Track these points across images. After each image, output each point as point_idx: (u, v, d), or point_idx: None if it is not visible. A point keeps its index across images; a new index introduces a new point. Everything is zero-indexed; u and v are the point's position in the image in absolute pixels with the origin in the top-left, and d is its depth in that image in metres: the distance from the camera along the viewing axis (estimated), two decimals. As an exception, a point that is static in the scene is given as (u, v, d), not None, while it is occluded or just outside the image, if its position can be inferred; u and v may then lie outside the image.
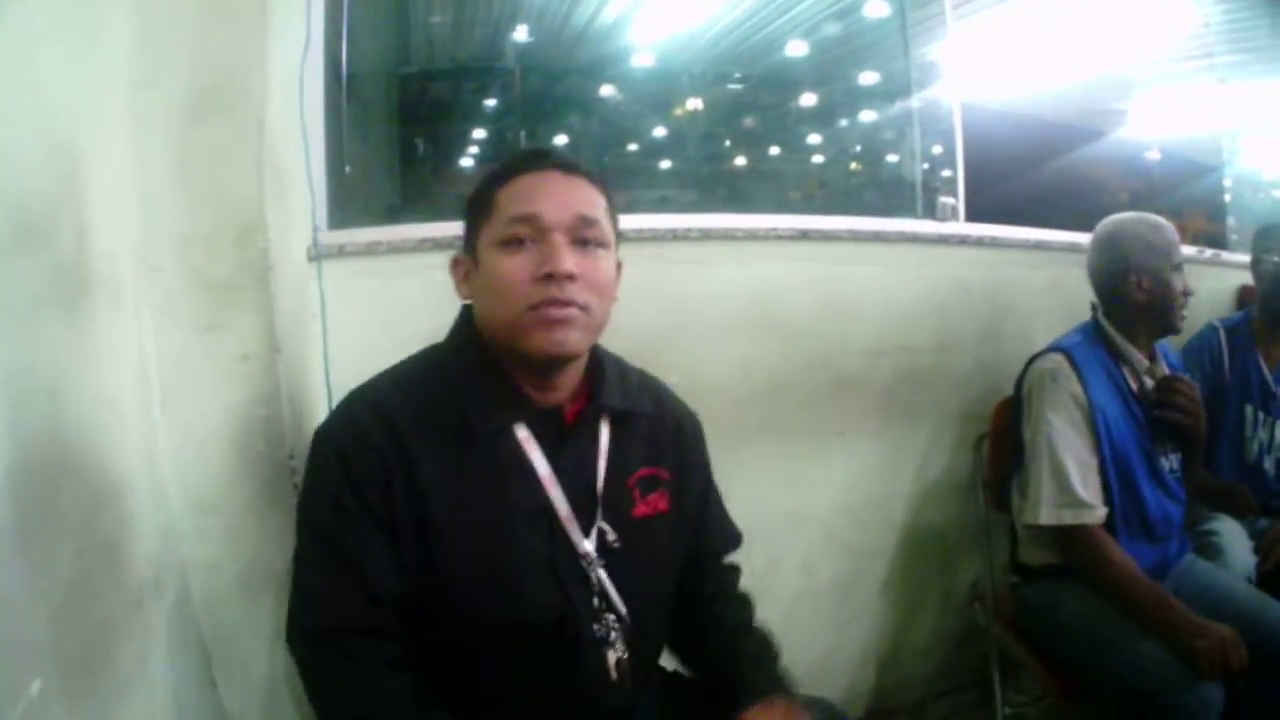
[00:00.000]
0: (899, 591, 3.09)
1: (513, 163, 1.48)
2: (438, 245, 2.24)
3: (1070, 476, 2.30)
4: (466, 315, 1.52)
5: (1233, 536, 2.68)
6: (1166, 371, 2.53)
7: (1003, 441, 2.71)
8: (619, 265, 1.53)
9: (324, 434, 1.42)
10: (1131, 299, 2.49)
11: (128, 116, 1.64)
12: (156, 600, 1.54)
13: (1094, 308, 2.59)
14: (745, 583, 1.77)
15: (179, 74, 1.69)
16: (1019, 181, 3.72)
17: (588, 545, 1.47)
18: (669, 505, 1.60)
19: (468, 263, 1.49)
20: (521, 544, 1.42)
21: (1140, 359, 2.49)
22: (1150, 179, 5.30)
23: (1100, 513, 2.30)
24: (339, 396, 2.01)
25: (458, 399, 1.42)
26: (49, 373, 1.26)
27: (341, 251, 2.18)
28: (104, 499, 1.40)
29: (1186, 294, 2.48)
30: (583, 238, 1.41)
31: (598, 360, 1.55)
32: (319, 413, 1.97)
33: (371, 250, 2.23)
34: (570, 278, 1.36)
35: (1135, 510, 2.37)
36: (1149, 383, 2.48)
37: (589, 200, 1.45)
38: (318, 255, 2.12)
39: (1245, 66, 4.71)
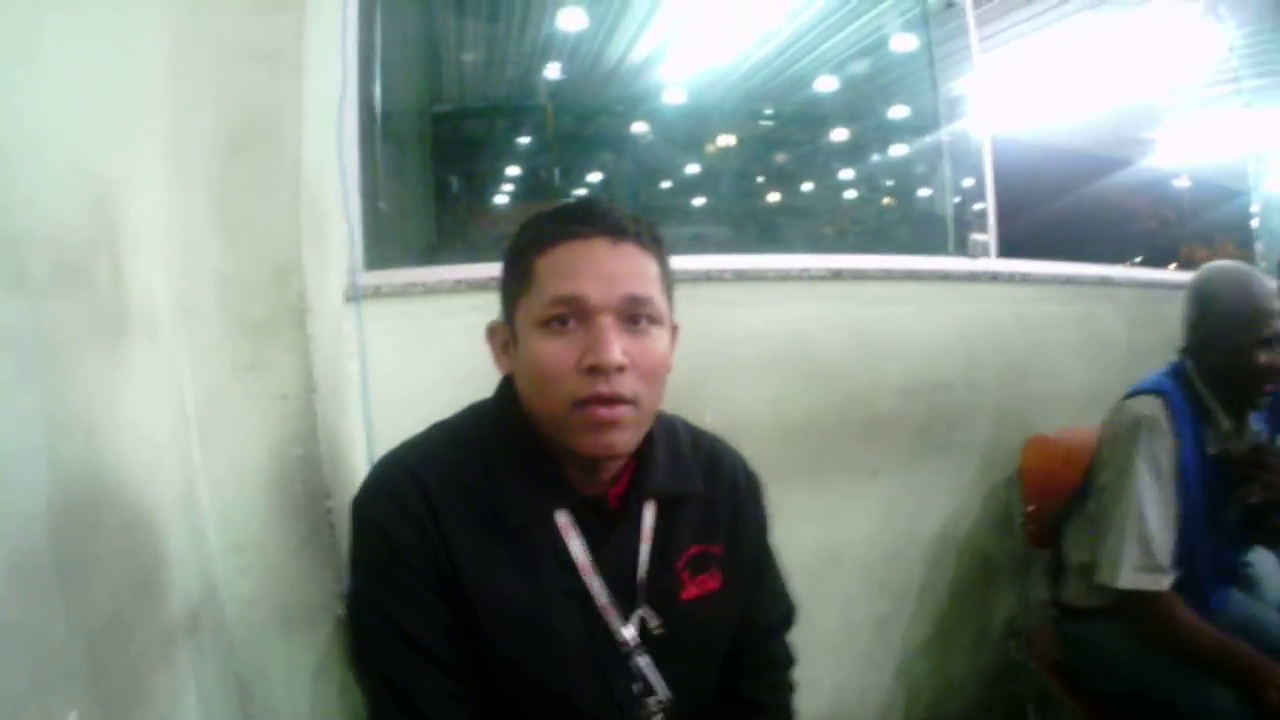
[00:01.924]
0: (934, 629, 3.06)
1: (553, 227, 1.34)
2: (473, 286, 2.28)
3: (1154, 540, 2.21)
4: (509, 388, 1.43)
5: (1268, 568, 2.63)
6: (1252, 437, 2.42)
7: (1042, 476, 2.68)
8: (675, 330, 1.43)
9: (362, 504, 1.37)
10: (1209, 362, 2.38)
11: (165, 156, 1.64)
12: (192, 637, 1.54)
13: (1181, 353, 2.48)
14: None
15: (216, 113, 1.71)
16: (1046, 212, 3.71)
17: (628, 633, 1.42)
18: (721, 583, 1.52)
19: (505, 332, 1.40)
20: (558, 631, 1.37)
21: (1223, 420, 2.38)
22: (1180, 206, 5.28)
23: (1173, 577, 2.22)
24: (377, 437, 2.05)
25: (493, 482, 1.36)
26: (88, 411, 1.27)
27: (378, 292, 2.20)
28: (141, 536, 1.40)
29: (1275, 370, 2.29)
30: (633, 315, 1.30)
31: (648, 438, 1.43)
32: (356, 453, 1.99)
33: (407, 291, 2.26)
34: (620, 369, 1.26)
35: (1188, 570, 2.27)
36: (1227, 448, 2.36)
37: (640, 274, 1.32)
38: (355, 296, 2.14)
39: (1270, 90, 4.68)
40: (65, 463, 1.18)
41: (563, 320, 1.28)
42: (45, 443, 1.13)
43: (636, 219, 1.36)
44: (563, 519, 1.38)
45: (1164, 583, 2.20)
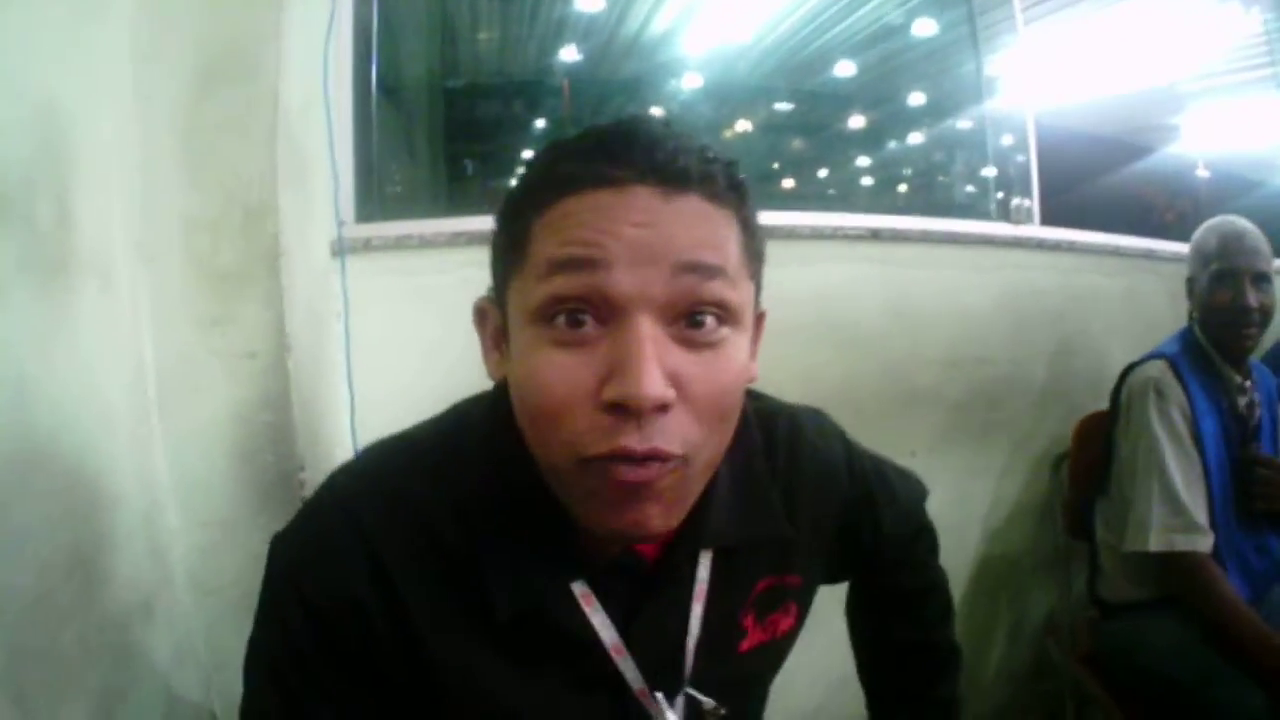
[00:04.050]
0: (968, 622, 2.86)
1: (568, 166, 0.81)
2: (473, 240, 2.06)
3: (1182, 498, 2.10)
4: (504, 401, 0.89)
5: None
6: (1257, 395, 2.34)
7: (1086, 463, 2.53)
8: (760, 319, 0.95)
9: (284, 559, 0.89)
10: (1198, 313, 2.35)
11: (130, 91, 1.51)
12: (146, 623, 1.40)
13: (1189, 314, 2.41)
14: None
15: (186, 45, 1.56)
16: (1059, 202, 3.57)
17: (671, 717, 0.97)
18: (795, 618, 1.11)
19: (497, 317, 0.90)
20: None
21: (1231, 375, 2.30)
22: (1198, 198, 5.13)
23: (1211, 539, 2.10)
24: (361, 405, 1.88)
25: (476, 549, 0.88)
26: (19, 357, 1.13)
27: (368, 246, 2.03)
28: (80, 509, 1.26)
29: (1243, 308, 2.23)
30: (691, 313, 0.78)
31: None
32: (337, 422, 1.83)
33: (402, 245, 2.08)
34: (662, 409, 0.76)
35: (1229, 539, 2.18)
36: (1243, 403, 2.29)
37: (705, 244, 0.79)
38: (341, 249, 1.97)
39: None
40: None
41: (573, 318, 0.77)
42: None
43: (705, 154, 0.83)
44: (580, 589, 0.92)
45: (1200, 543, 2.10)
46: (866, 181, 4.40)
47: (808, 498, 1.08)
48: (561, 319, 0.76)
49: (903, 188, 4.48)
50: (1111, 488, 2.34)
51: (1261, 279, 2.23)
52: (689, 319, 0.78)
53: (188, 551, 1.55)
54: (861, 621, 1.35)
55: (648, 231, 0.76)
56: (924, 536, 1.32)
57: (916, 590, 1.32)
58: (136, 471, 1.44)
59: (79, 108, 1.35)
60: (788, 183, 4.37)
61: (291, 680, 0.86)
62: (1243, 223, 2.31)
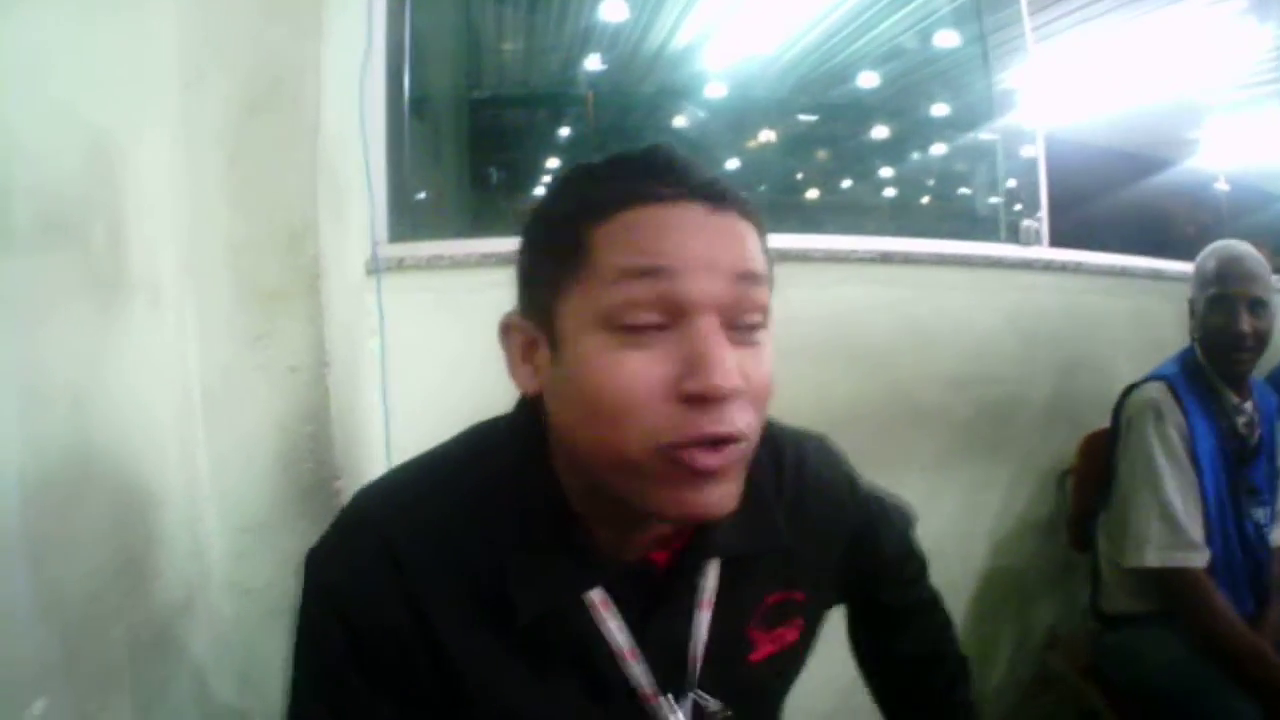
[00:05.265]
0: (972, 635, 2.94)
1: (622, 184, 0.88)
2: (502, 261, 2.09)
3: (1179, 516, 2.16)
4: (527, 415, 0.99)
5: None
6: (1257, 415, 2.38)
7: (1091, 478, 2.58)
8: None
9: (322, 579, 0.96)
10: (1198, 336, 2.39)
11: (177, 117, 1.57)
12: (186, 621, 1.47)
13: (1190, 334, 2.45)
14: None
15: (231, 73, 1.62)
16: (1080, 214, 3.60)
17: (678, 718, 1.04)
18: (800, 631, 1.16)
19: (529, 332, 0.94)
20: None
21: (1230, 396, 2.33)
22: (1218, 210, 5.14)
23: (1207, 555, 2.17)
24: (395, 418, 1.96)
25: (500, 558, 0.94)
26: (74, 372, 1.20)
27: (401, 265, 2.11)
28: (131, 513, 1.33)
29: (1237, 334, 2.25)
30: (744, 316, 0.87)
31: None
32: (373, 434, 1.91)
33: (433, 265, 2.16)
34: (735, 394, 0.84)
35: (1225, 557, 2.24)
36: (1241, 422, 2.33)
37: (752, 255, 0.89)
38: (376, 268, 2.05)
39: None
40: (43, 432, 1.11)
41: (646, 322, 0.84)
42: (19, 410, 1.05)
43: (725, 180, 0.91)
44: (597, 596, 0.98)
45: (1195, 559, 2.16)
46: (871, 199, 4.45)
47: (813, 521, 1.14)
48: (632, 325, 0.83)
49: (913, 206, 4.52)
50: (1113, 504, 2.37)
51: (1258, 305, 2.26)
52: (741, 323, 0.86)
53: (226, 554, 1.62)
54: (868, 642, 1.41)
55: (707, 243, 0.85)
56: (917, 558, 1.39)
57: (919, 606, 1.39)
58: (180, 478, 1.50)
59: (130, 134, 1.41)
60: (808, 194, 4.42)
61: (334, 691, 0.94)
62: (1243, 247, 2.33)
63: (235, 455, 1.62)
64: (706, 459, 0.83)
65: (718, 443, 0.83)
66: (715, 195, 0.87)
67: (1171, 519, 2.16)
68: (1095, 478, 2.51)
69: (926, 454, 2.77)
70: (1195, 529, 2.17)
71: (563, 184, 0.96)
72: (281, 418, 1.65)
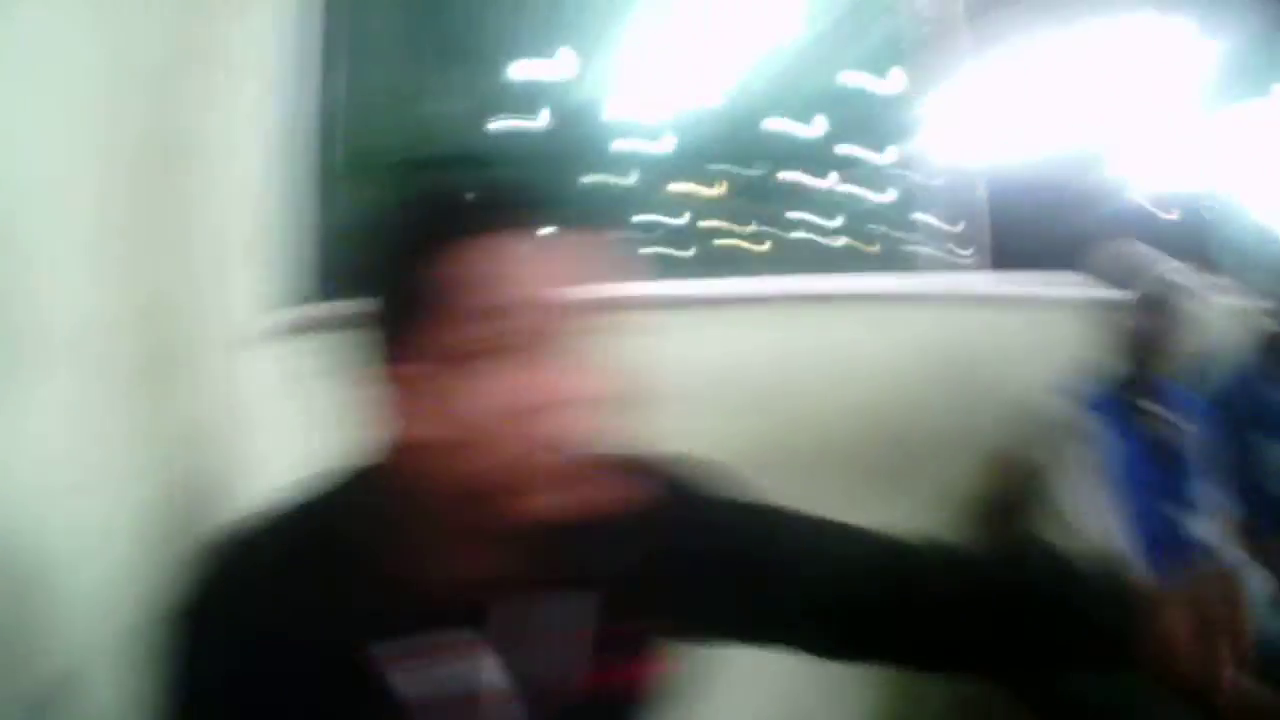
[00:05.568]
0: (893, 686, 2.90)
1: (450, 217, 0.97)
2: None
3: (1101, 530, 2.22)
4: (365, 467, 1.07)
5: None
6: (1176, 418, 2.44)
7: (1010, 504, 2.63)
8: None
9: (185, 623, 1.02)
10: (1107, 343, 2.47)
11: (77, 163, 1.55)
12: (68, 698, 1.46)
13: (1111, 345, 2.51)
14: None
15: (139, 131, 1.62)
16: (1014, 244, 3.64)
17: None
18: (655, 663, 1.12)
19: (387, 377, 0.97)
20: None
21: (1145, 402, 2.43)
22: (1146, 233, 5.20)
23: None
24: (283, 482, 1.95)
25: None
26: None
27: (303, 327, 2.06)
28: (10, 589, 1.34)
29: (1143, 334, 2.39)
30: (592, 330, 0.94)
31: None
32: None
33: (329, 325, 2.12)
34: (597, 402, 0.92)
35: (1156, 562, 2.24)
36: (1159, 428, 2.40)
37: (598, 270, 0.97)
38: (275, 332, 2.02)
39: (1246, 109, 4.67)
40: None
41: (505, 344, 0.89)
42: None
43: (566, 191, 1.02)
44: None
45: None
46: (801, 236, 4.49)
47: (668, 541, 1.11)
48: (495, 346, 0.89)
49: (843, 242, 4.55)
50: (1034, 527, 2.42)
51: (1154, 304, 2.34)
52: (574, 339, 0.92)
53: (111, 627, 1.56)
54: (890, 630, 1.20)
55: (554, 264, 0.93)
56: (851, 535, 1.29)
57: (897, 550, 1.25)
58: (66, 553, 1.49)
59: (30, 189, 1.41)
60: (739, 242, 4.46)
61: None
62: (1139, 248, 2.46)
63: (118, 527, 1.60)
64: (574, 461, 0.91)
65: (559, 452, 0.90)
66: (555, 219, 0.97)
67: (1094, 533, 2.22)
68: (1014, 505, 2.54)
69: (835, 494, 2.73)
70: (1119, 541, 2.21)
71: (395, 225, 1.03)
72: (167, 489, 1.64)
